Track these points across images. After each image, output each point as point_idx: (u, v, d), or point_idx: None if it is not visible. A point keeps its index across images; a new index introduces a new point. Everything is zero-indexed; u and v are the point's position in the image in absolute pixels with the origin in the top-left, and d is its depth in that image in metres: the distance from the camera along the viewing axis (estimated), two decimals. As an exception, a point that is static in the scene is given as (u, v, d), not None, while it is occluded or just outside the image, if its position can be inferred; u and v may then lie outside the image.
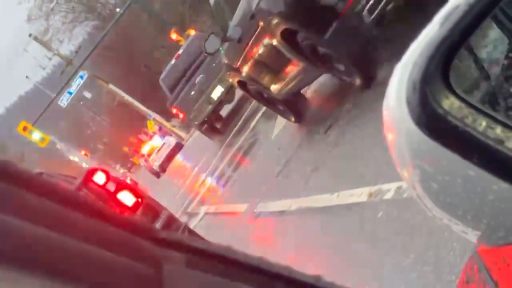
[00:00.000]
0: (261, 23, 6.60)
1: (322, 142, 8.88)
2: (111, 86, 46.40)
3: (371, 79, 6.41)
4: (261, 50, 7.14)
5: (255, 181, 11.18)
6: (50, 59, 61.97)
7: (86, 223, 0.58)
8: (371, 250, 5.11)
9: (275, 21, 6.23)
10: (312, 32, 6.21)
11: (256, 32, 6.84)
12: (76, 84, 43.31)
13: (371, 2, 5.79)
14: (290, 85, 7.85)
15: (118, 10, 43.28)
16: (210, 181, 16.65)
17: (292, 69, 7.29)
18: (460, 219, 0.88)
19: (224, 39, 7.67)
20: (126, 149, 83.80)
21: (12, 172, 0.55)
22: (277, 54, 6.92)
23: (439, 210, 0.90)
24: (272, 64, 7.42)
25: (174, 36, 36.67)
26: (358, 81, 6.56)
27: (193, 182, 19.88)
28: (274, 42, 6.65)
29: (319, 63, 6.88)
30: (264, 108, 13.51)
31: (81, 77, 43.10)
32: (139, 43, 56.42)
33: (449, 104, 0.86)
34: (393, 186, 5.51)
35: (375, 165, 6.23)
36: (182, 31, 37.71)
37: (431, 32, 0.87)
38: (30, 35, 52.67)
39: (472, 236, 0.91)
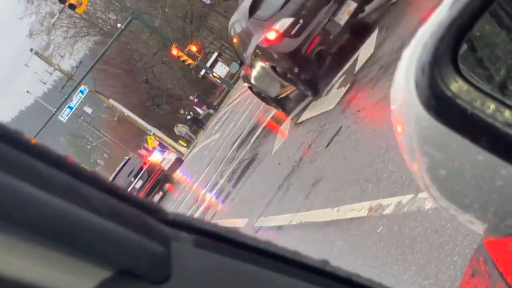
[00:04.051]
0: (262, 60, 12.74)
1: (323, 157, 8.88)
2: (112, 101, 46.49)
3: (317, 92, 12.28)
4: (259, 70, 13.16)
5: (256, 196, 11.17)
6: (51, 74, 62.05)
7: (99, 196, 0.58)
8: (372, 264, 5.09)
9: (266, 63, 12.39)
10: (287, 68, 12.05)
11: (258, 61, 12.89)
12: (77, 99, 43.38)
13: (318, 49, 11.47)
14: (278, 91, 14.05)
15: (119, 25, 43.43)
16: (210, 196, 16.64)
17: (277, 85, 13.28)
18: (467, 208, 0.87)
19: (241, 65, 14.02)
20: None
21: (26, 142, 0.55)
22: (269, 74, 12.81)
23: (446, 200, 0.90)
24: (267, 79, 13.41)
25: (175, 51, 36.78)
26: (309, 93, 12.46)
27: (193, 197, 19.87)
28: (267, 66, 12.56)
29: (288, 82, 12.77)
30: (262, 126, 16.71)
31: (82, 92, 43.15)
32: (140, 59, 56.60)
33: (458, 87, 0.86)
34: (393, 201, 5.50)
35: (375, 180, 6.23)
36: (183, 46, 37.85)
37: (440, 15, 0.87)
38: (31, 50, 52.79)
39: (479, 227, 0.90)
